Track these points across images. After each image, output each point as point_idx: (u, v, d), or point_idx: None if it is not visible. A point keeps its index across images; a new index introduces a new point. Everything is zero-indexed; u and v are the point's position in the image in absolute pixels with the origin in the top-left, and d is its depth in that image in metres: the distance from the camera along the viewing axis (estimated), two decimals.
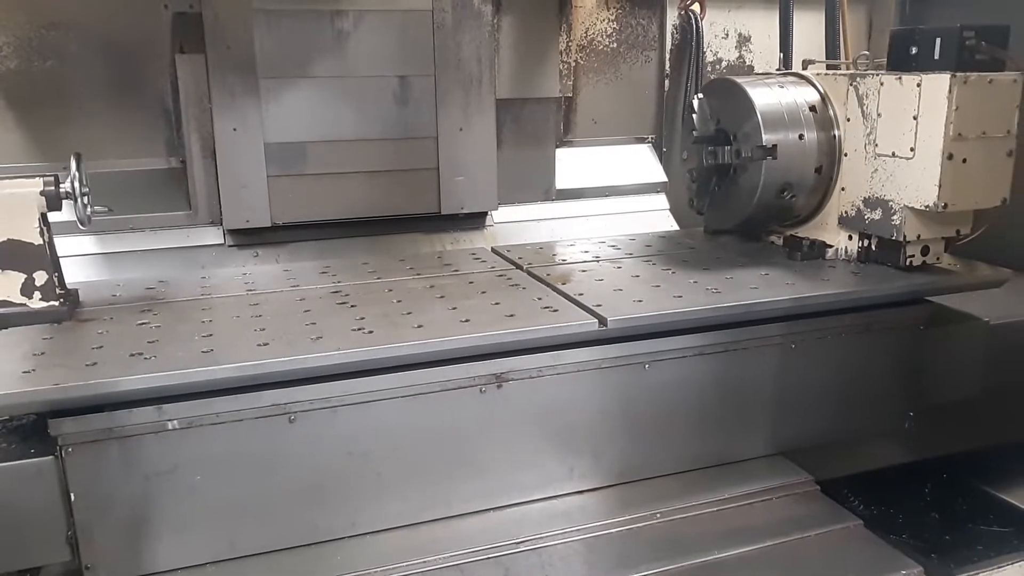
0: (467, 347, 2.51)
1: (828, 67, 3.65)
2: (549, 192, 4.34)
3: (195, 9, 3.60)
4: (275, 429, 2.37)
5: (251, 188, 3.68)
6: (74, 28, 3.60)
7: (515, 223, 4.24)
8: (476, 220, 4.14)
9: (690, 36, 4.54)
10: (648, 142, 4.65)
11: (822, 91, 3.37)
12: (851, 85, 3.21)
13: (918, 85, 2.91)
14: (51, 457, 2.20)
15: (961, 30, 2.85)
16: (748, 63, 4.79)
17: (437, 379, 2.50)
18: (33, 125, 3.61)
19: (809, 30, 4.27)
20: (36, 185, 2.64)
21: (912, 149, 2.96)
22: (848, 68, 3.59)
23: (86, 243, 3.60)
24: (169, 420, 2.27)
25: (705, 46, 4.59)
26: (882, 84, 3.07)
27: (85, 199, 2.74)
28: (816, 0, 4.28)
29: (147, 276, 3.41)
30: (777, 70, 3.75)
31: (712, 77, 4.65)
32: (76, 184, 2.68)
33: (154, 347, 2.42)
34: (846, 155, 3.27)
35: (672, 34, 4.59)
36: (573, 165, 4.44)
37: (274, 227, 3.76)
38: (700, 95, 3.53)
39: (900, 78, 2.99)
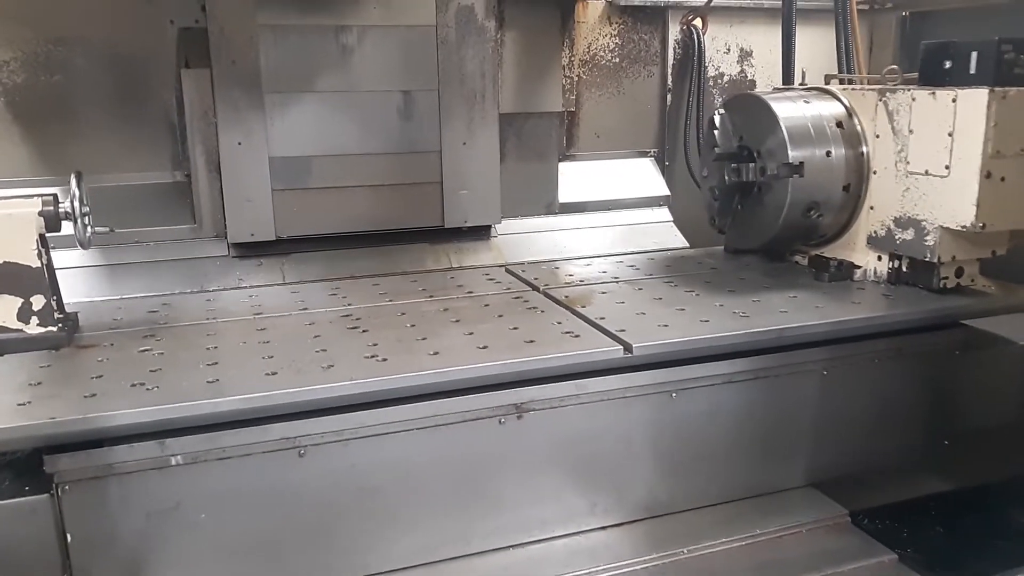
0: (486, 376, 2.39)
1: (845, 82, 3.53)
2: (552, 206, 4.31)
3: (200, 24, 3.57)
4: (284, 464, 2.24)
5: (256, 202, 3.63)
6: (80, 43, 3.57)
7: (519, 235, 4.20)
8: (480, 232, 4.10)
9: (692, 51, 4.52)
10: (650, 156, 4.63)
11: (848, 106, 3.25)
12: (880, 100, 3.10)
13: (953, 100, 2.79)
14: (46, 495, 2.06)
15: (999, 43, 2.74)
16: (750, 78, 4.77)
17: (455, 410, 2.37)
18: (39, 139, 3.59)
19: (811, 45, 4.23)
20: (34, 205, 2.53)
21: (947, 167, 2.84)
22: (864, 83, 3.48)
23: (89, 256, 3.46)
24: (172, 455, 2.14)
25: (707, 61, 4.58)
26: (914, 99, 2.95)
27: (86, 219, 2.62)
28: (818, 15, 4.27)
29: (151, 289, 3.39)
30: (800, 84, 3.63)
31: (715, 91, 4.66)
32: (76, 204, 2.56)
33: (156, 376, 2.30)
34: (875, 173, 3.16)
35: (674, 49, 4.57)
36: (576, 179, 4.42)
37: (278, 240, 3.72)
38: (722, 110, 3.42)
39: (934, 93, 2.87)
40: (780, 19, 4.02)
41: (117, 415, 2.08)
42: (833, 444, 2.89)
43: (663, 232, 4.39)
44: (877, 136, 3.13)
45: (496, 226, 4.11)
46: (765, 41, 4.66)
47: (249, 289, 3.40)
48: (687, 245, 4.29)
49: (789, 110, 3.22)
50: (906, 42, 4.71)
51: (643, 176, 4.55)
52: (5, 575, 2.06)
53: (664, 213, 4.47)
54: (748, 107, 3.34)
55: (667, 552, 2.56)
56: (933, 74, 2.95)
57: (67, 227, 2.62)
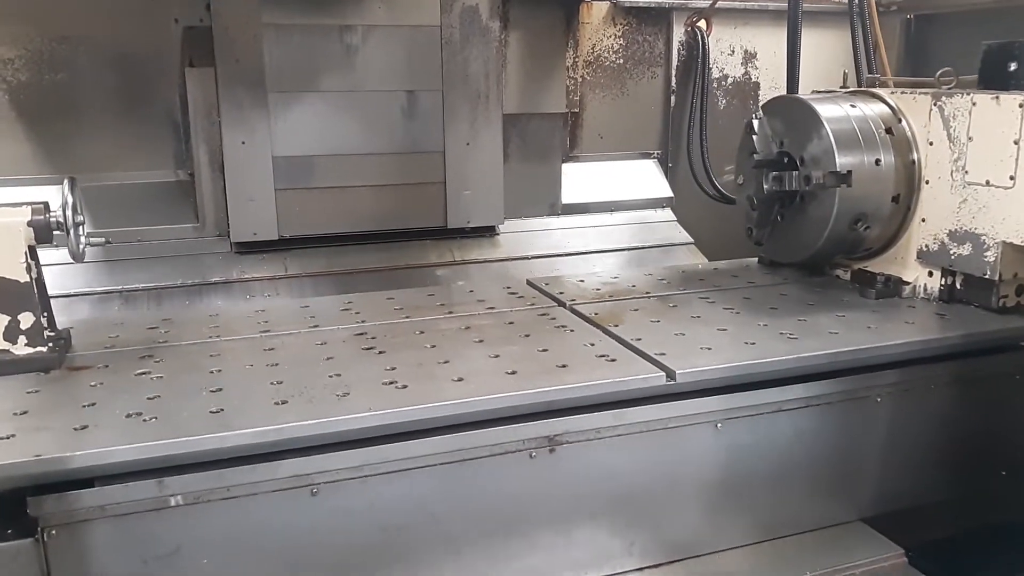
0: (517, 406, 2.18)
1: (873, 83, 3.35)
2: (555, 206, 4.39)
3: (205, 23, 3.63)
4: (295, 504, 2.03)
5: (259, 201, 3.71)
6: (85, 41, 3.64)
7: (522, 232, 4.25)
8: (483, 233, 4.14)
9: (696, 52, 4.56)
10: (654, 157, 4.67)
11: (897, 110, 3.04)
12: (935, 104, 2.89)
13: (1021, 106, 2.58)
14: (30, 540, 1.85)
15: None
16: (754, 79, 4.80)
17: (482, 443, 2.16)
18: (43, 137, 3.60)
19: (816, 47, 4.25)
20: (23, 214, 2.31)
21: (1012, 177, 2.63)
22: (889, 85, 3.29)
23: (91, 252, 3.33)
24: (172, 495, 1.93)
25: (711, 62, 4.62)
26: (974, 104, 2.74)
27: (79, 229, 2.40)
28: (824, 17, 4.41)
29: (151, 279, 3.49)
30: (842, 86, 3.41)
31: (719, 93, 4.70)
32: (69, 213, 2.34)
33: (155, 405, 2.09)
34: (927, 182, 2.95)
35: (678, 50, 4.62)
36: (579, 180, 4.42)
37: (281, 240, 3.77)
38: (760, 114, 3.21)
39: (997, 97, 2.66)
40: (785, 21, 3.91)
41: (111, 452, 1.87)
42: (886, 476, 2.68)
43: (665, 234, 4.42)
44: (930, 143, 2.92)
45: (499, 226, 4.16)
46: (770, 43, 4.74)
47: (256, 303, 3.21)
48: (691, 240, 4.37)
49: (835, 113, 3.01)
50: (911, 45, 4.71)
51: (646, 177, 4.58)
52: None
53: (667, 214, 4.51)
54: (789, 111, 3.13)
55: None
56: (996, 77, 2.74)
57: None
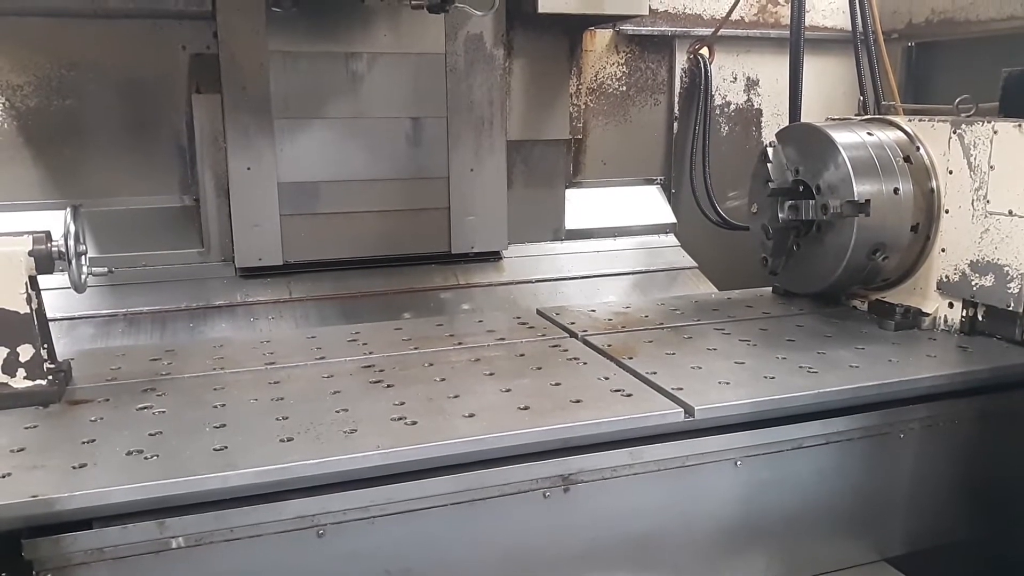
0: (530, 443, 2.11)
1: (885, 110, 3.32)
2: (559, 232, 4.35)
3: (212, 50, 3.60)
4: (301, 546, 1.95)
5: (264, 227, 3.68)
6: (93, 68, 3.59)
7: (526, 257, 4.23)
8: (486, 259, 4.13)
9: (699, 80, 4.56)
10: (657, 183, 4.65)
11: (915, 137, 2.99)
12: (955, 132, 2.83)
13: None
14: None
15: None
16: (756, 106, 4.80)
17: (494, 483, 2.09)
18: (51, 162, 3.61)
19: (818, 75, 4.26)
20: (23, 244, 2.26)
21: None
22: (899, 112, 3.26)
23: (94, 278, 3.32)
24: (173, 537, 1.86)
25: (714, 89, 4.58)
26: (995, 132, 2.69)
27: (82, 260, 2.35)
28: (826, 45, 4.45)
29: (155, 300, 3.46)
30: (856, 114, 3.36)
31: (721, 120, 4.69)
32: (70, 243, 2.29)
33: (156, 442, 2.03)
34: (947, 211, 2.89)
35: (681, 78, 4.61)
36: (582, 206, 4.42)
37: (286, 265, 3.74)
38: (775, 141, 3.16)
39: (1020, 125, 2.61)
40: (787, 48, 4.02)
41: (109, 492, 1.80)
42: (909, 515, 2.60)
43: (668, 259, 4.41)
44: (950, 172, 2.86)
45: (503, 252, 4.16)
46: (772, 70, 4.69)
47: (260, 331, 3.16)
48: (695, 265, 4.35)
49: (851, 141, 2.96)
50: (912, 72, 4.74)
51: (649, 203, 4.58)
52: None
53: (671, 240, 4.51)
54: (805, 138, 3.08)
55: None
56: (1018, 104, 2.68)
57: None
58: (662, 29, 4.47)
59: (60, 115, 3.58)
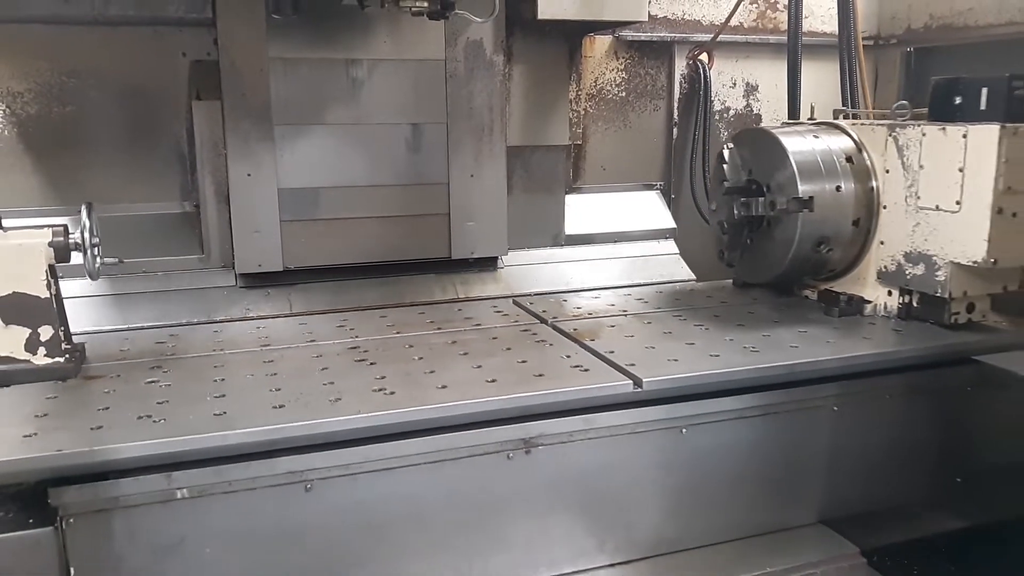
0: (494, 410, 2.37)
1: (851, 116, 3.54)
2: (558, 238, 4.35)
3: (212, 57, 3.62)
4: (291, 498, 2.21)
5: (264, 233, 3.65)
6: (94, 75, 3.60)
7: (525, 266, 4.22)
8: (486, 264, 4.13)
9: (698, 85, 4.55)
10: (656, 189, 4.65)
11: (858, 141, 3.26)
12: (890, 135, 3.10)
13: (964, 136, 2.80)
14: (51, 528, 2.04)
15: (1010, 80, 2.75)
16: (756, 112, 4.81)
17: (462, 444, 2.35)
18: (51, 169, 3.63)
19: (817, 80, 4.27)
20: (44, 236, 2.53)
21: (958, 202, 2.83)
22: (870, 117, 3.50)
23: (97, 286, 3.43)
24: (178, 488, 2.12)
25: (713, 95, 4.62)
26: (924, 135, 2.96)
27: (95, 250, 2.62)
28: (824, 50, 4.31)
29: (158, 318, 3.41)
30: (809, 119, 3.64)
31: (721, 125, 4.70)
32: (86, 235, 2.57)
33: (163, 409, 2.29)
34: (885, 207, 3.15)
35: (680, 83, 4.60)
36: (582, 211, 4.44)
37: (286, 271, 3.74)
38: (731, 145, 3.43)
39: (944, 129, 2.88)
40: (786, 54, 4.07)
41: (123, 448, 2.06)
42: (844, 481, 2.85)
43: (669, 264, 4.41)
44: (887, 171, 3.13)
45: (503, 258, 4.13)
46: (771, 76, 4.71)
47: (257, 320, 3.40)
48: (693, 278, 4.31)
49: (799, 144, 3.23)
50: (911, 77, 4.76)
51: (649, 209, 4.57)
52: None
53: (670, 246, 4.49)
54: (757, 141, 3.35)
55: None
56: (943, 110, 2.96)
57: (76, 257, 2.63)
58: (661, 35, 4.48)
59: (61, 122, 3.60)
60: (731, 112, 4.77)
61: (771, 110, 4.78)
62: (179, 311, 3.54)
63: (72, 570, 2.06)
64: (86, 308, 3.31)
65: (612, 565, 2.58)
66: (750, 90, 4.79)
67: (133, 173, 3.72)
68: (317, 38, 3.61)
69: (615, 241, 4.40)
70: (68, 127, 3.62)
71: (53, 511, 2.04)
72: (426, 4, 3.10)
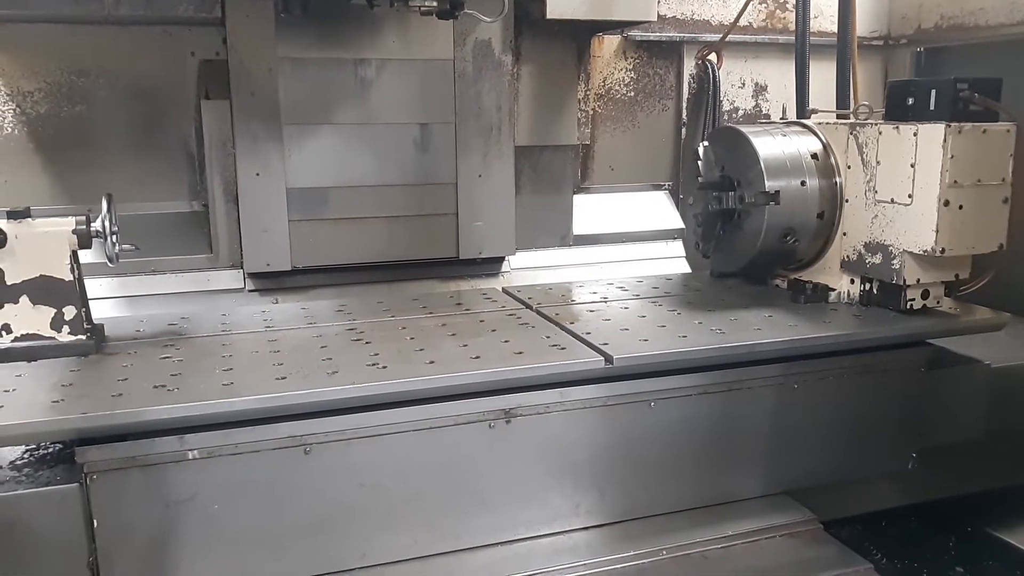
0: (477, 383, 2.60)
1: (838, 116, 3.74)
2: (566, 238, 4.42)
3: (221, 56, 3.72)
4: (291, 460, 2.45)
5: (272, 232, 3.75)
6: (103, 75, 3.74)
7: (532, 268, 4.31)
8: (493, 265, 4.22)
9: (707, 85, 4.62)
10: (665, 189, 4.73)
11: (824, 140, 3.47)
12: (851, 134, 3.32)
13: (914, 134, 3.02)
14: (76, 484, 2.28)
15: (955, 82, 2.96)
16: (764, 112, 4.87)
17: (448, 414, 2.58)
18: (61, 168, 3.74)
19: (825, 79, 4.35)
20: (68, 224, 2.77)
21: (910, 196, 3.05)
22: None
23: (108, 286, 3.70)
24: (190, 450, 2.36)
25: (722, 95, 4.67)
26: (880, 133, 3.18)
27: (114, 238, 2.86)
28: (832, 50, 4.33)
29: (169, 312, 3.52)
30: (781, 118, 3.85)
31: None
32: (106, 223, 2.80)
33: (177, 380, 2.52)
34: (847, 201, 3.37)
35: (689, 83, 4.67)
36: (590, 211, 4.51)
37: (294, 270, 3.85)
38: (705, 142, 3.66)
39: (897, 128, 3.10)
40: (794, 54, 4.17)
41: (141, 411, 2.30)
42: (804, 455, 3.08)
43: (677, 265, 4.51)
44: (848, 167, 3.35)
45: (510, 258, 4.20)
46: (780, 75, 4.77)
47: (262, 306, 3.61)
48: (682, 273, 4.34)
49: (767, 143, 3.44)
50: (920, 76, 4.82)
51: (657, 209, 4.68)
52: (37, 557, 2.27)
53: (678, 246, 4.57)
54: (730, 140, 3.56)
55: (645, 551, 2.75)
56: (897, 110, 3.18)
57: (89, 256, 2.86)
58: (670, 35, 4.54)
59: (70, 121, 3.69)
60: (740, 112, 4.84)
61: (780, 110, 4.85)
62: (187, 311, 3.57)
63: (95, 522, 2.30)
64: (97, 308, 3.39)
65: (585, 528, 2.81)
66: (759, 90, 4.87)
67: (142, 172, 3.82)
68: (326, 38, 3.69)
69: (623, 241, 4.49)
70: (78, 126, 3.73)
71: (78, 469, 2.29)
72: (435, 4, 3.20)
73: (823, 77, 4.21)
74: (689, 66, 4.65)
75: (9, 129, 3.70)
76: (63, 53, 3.67)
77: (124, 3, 3.65)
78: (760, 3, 4.78)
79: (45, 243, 2.73)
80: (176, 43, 3.78)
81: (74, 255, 2.79)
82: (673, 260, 4.55)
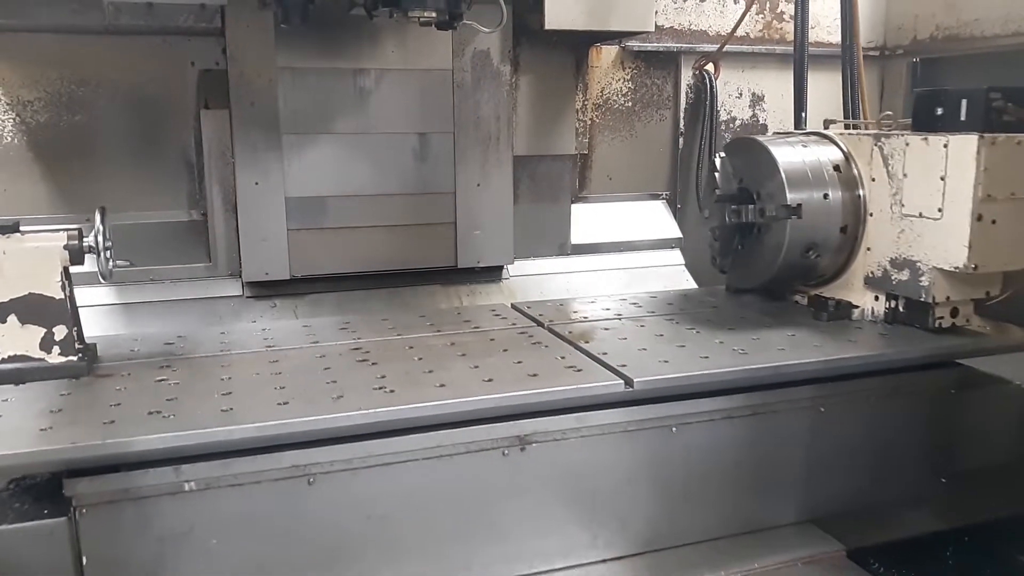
0: (490, 408, 2.47)
1: (849, 127, 3.63)
2: (564, 247, 4.39)
3: (221, 66, 3.68)
4: (294, 492, 2.31)
5: (271, 241, 3.72)
6: (103, 84, 3.70)
7: (531, 276, 4.28)
8: (492, 273, 4.18)
9: (704, 95, 4.61)
10: (662, 198, 4.70)
11: (845, 150, 3.35)
12: (876, 145, 3.20)
13: (945, 146, 2.89)
14: (64, 519, 2.13)
15: (988, 91, 2.84)
16: (761, 122, 4.86)
17: (459, 441, 2.45)
18: (60, 178, 3.70)
19: (822, 90, 4.32)
20: (59, 239, 2.63)
21: (940, 210, 2.93)
22: (867, 127, 3.59)
23: (105, 294, 3.61)
24: (186, 481, 2.22)
25: (719, 105, 4.67)
26: (908, 144, 3.05)
27: (107, 253, 2.72)
28: (829, 60, 4.34)
29: (165, 327, 3.46)
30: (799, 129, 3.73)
31: (727, 135, 4.75)
32: (99, 239, 2.67)
33: (172, 405, 2.38)
34: (871, 215, 3.25)
35: (686, 93, 4.67)
36: (588, 220, 4.48)
37: (293, 280, 3.78)
38: (722, 154, 3.53)
39: (926, 138, 2.97)
40: (792, 64, 4.11)
41: (134, 441, 2.16)
42: (830, 481, 2.94)
43: (675, 274, 4.46)
44: (873, 180, 3.22)
45: (509, 267, 4.16)
46: (777, 86, 4.77)
47: (262, 324, 3.49)
48: (697, 288, 4.33)
49: (787, 154, 3.32)
50: (917, 87, 4.74)
51: (655, 218, 4.63)
52: None
53: (676, 255, 4.53)
54: (748, 151, 3.44)
55: None
56: (926, 120, 3.05)
57: (86, 264, 2.71)
58: (668, 45, 4.54)
59: (70, 130, 3.66)
60: (737, 122, 4.83)
61: (777, 120, 4.82)
62: (186, 319, 3.62)
63: (84, 559, 2.16)
64: (94, 317, 3.39)
65: (604, 561, 2.67)
66: (756, 100, 4.86)
67: (141, 181, 3.78)
68: (325, 48, 3.66)
69: (621, 250, 4.46)
70: (77, 136, 3.69)
71: (67, 502, 2.14)
72: (434, 14, 3.15)
73: (820, 87, 4.20)
74: (686, 76, 4.66)
75: (9, 138, 3.66)
76: (63, 62, 3.65)
77: (124, 13, 3.62)
78: (757, 13, 4.77)
79: (35, 259, 2.59)
80: (176, 53, 3.76)
81: (65, 272, 2.65)
82: (671, 268, 4.51)
